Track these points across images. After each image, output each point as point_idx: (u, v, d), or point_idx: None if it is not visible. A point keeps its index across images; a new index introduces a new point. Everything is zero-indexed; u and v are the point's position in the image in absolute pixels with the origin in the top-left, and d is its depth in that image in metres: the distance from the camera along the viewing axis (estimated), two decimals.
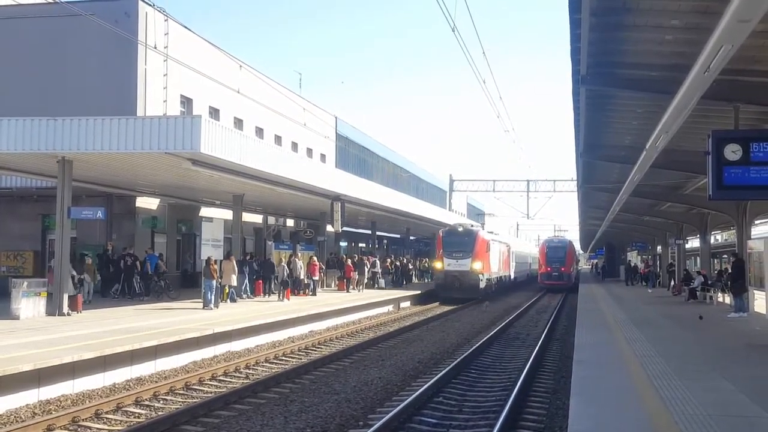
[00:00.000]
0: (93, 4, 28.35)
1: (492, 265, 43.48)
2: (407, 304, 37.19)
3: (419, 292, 40.21)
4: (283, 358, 17.87)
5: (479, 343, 20.22)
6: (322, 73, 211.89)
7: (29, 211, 30.15)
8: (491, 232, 50.04)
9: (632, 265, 59.86)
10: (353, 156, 56.66)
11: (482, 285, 39.92)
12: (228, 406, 12.05)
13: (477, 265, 39.57)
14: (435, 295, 40.24)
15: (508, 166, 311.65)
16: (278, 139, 41.76)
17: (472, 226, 45.54)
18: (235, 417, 11.38)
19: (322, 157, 49.28)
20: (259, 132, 39.18)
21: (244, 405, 12.25)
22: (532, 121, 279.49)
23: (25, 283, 19.96)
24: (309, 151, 46.73)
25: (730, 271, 25.40)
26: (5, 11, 30.89)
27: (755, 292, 24.09)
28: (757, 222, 33.78)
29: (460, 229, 42.11)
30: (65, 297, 20.38)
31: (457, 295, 38.51)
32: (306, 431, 10.56)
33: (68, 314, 20.05)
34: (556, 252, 57.53)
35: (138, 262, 26.92)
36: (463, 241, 40.59)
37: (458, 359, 16.66)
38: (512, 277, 56.94)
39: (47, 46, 30.44)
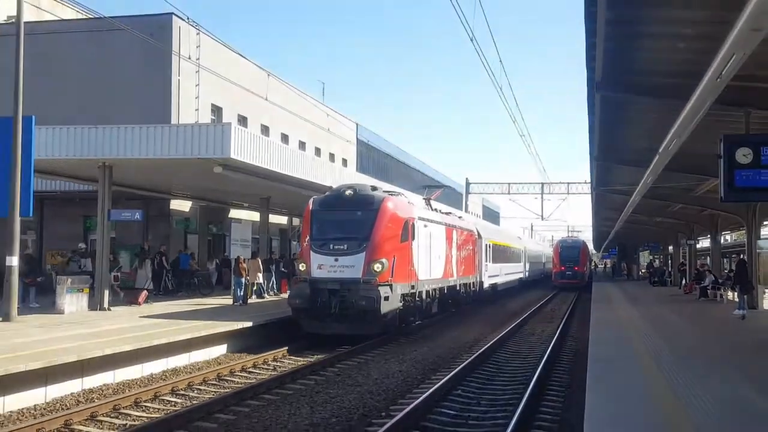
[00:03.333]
0: (131, 19, 28.67)
1: (422, 265, 21.44)
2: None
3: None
4: None
5: None
6: (345, 82, 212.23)
7: (72, 213, 30.55)
8: (429, 203, 26.20)
9: (656, 264, 59.41)
10: (374, 160, 56.73)
11: (386, 308, 18.21)
12: (257, 397, 12.12)
13: (378, 266, 18.33)
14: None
15: (523, 168, 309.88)
16: (302, 145, 41.92)
17: (375, 189, 20.68)
18: (264, 406, 11.45)
19: (344, 161, 49.39)
20: (285, 138, 39.36)
21: (272, 395, 12.32)
22: (548, 126, 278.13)
23: (69, 280, 20.30)
24: (331, 156, 46.88)
25: (734, 271, 25.48)
26: (51, 26, 31.33)
27: (766, 290, 23.90)
28: (766, 223, 33.41)
29: (349, 195, 19.57)
30: (106, 293, 20.67)
31: (338, 330, 18.19)
32: (331, 420, 10.58)
33: (108, 309, 20.33)
34: (570, 252, 57.15)
35: (165, 260, 27.09)
36: (354, 220, 19.11)
37: None
38: (526, 275, 52.70)
39: (89, 59, 30.84)
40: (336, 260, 18.46)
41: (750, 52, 8.39)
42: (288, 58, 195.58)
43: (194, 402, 11.78)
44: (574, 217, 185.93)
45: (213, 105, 33.19)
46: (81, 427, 10.14)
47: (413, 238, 20.30)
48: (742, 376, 10.78)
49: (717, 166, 10.76)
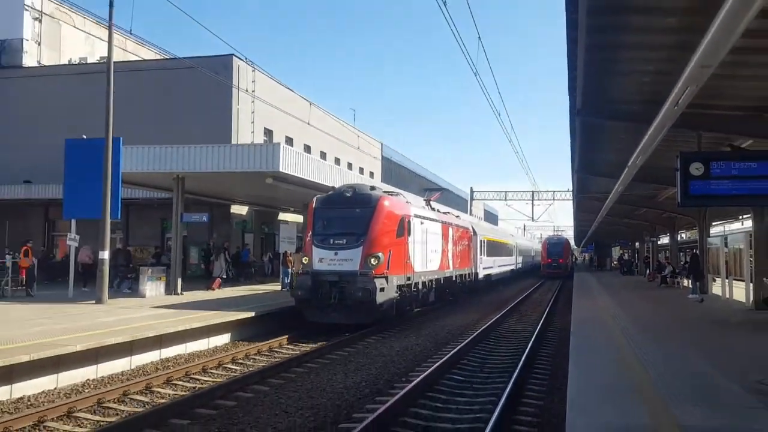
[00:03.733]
0: (199, 59, 28.96)
1: (418, 258, 19.58)
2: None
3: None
4: None
5: None
6: (372, 108, 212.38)
7: (152, 216, 30.88)
8: (428, 203, 24.71)
9: (626, 257, 58.88)
10: (395, 173, 56.74)
11: (382, 298, 16.55)
12: (302, 365, 12.19)
13: (374, 259, 16.65)
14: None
15: (516, 179, 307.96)
16: (337, 161, 42.02)
17: (374, 189, 18.68)
18: (307, 373, 11.50)
19: (371, 174, 49.41)
20: (323, 155, 39.46)
21: (313, 364, 12.36)
22: (537, 144, 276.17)
23: (150, 270, 20.54)
24: (361, 170, 46.92)
25: (688, 262, 25.87)
26: (134, 65, 31.72)
27: (716, 279, 23.80)
28: (714, 223, 33.28)
29: (349, 194, 17.83)
30: (179, 281, 20.87)
31: (337, 319, 16.44)
32: (361, 384, 10.64)
33: (181, 294, 20.54)
34: (556, 247, 57.14)
35: (227, 254, 27.26)
36: (352, 217, 17.33)
37: None
38: (517, 267, 50.15)
39: (165, 91, 31.17)
40: (336, 254, 16.66)
41: (701, 85, 8.37)
42: (326, 89, 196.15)
43: (251, 369, 11.90)
44: (559, 219, 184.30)
45: (265, 128, 33.40)
46: (160, 390, 10.23)
47: (409, 234, 18.31)
48: (692, 346, 10.74)
49: (675, 177, 10.68)
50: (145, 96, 31.05)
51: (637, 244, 52.16)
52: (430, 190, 31.11)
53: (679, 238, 39.56)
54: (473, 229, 30.53)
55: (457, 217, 29.74)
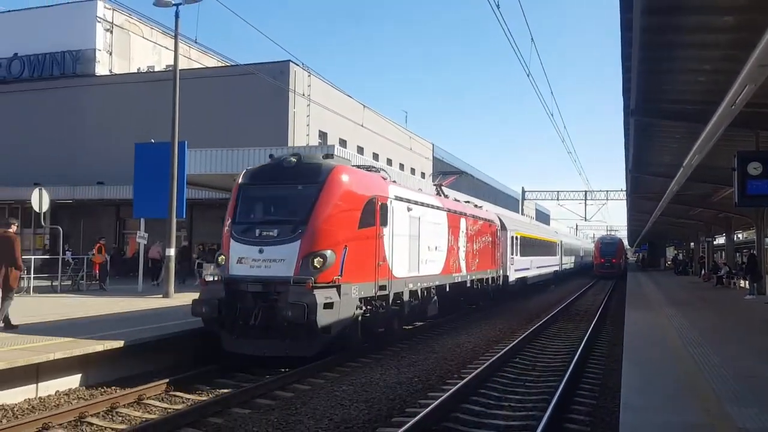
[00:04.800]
0: (258, 66, 29.59)
1: (402, 259, 13.63)
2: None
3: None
4: None
5: None
6: (424, 110, 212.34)
7: (213, 215, 31.64)
8: (440, 190, 20.25)
9: (680, 257, 57.23)
10: (447, 173, 56.47)
11: (330, 318, 10.49)
12: (356, 359, 12.05)
13: (318, 260, 10.75)
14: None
15: (569, 178, 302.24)
16: (389, 161, 42.18)
17: (330, 157, 12.85)
18: (360, 367, 11.49)
19: (422, 174, 49.43)
20: (375, 156, 39.65)
21: (366, 359, 12.24)
22: (590, 144, 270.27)
23: (212, 266, 21.05)
24: (412, 170, 46.98)
25: (746, 263, 25.30)
26: (198, 72, 32.63)
27: None
28: None
29: (290, 164, 11.75)
30: None
31: (260, 350, 10.54)
32: (414, 380, 10.56)
33: None
34: (609, 247, 56.06)
35: None
36: (291, 197, 11.47)
37: None
38: (561, 268, 43.25)
39: (226, 96, 31.96)
40: (261, 251, 10.92)
41: (759, 83, 8.11)
42: (379, 88, 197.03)
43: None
44: (612, 219, 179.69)
45: (320, 131, 33.84)
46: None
47: (384, 224, 12.34)
48: (751, 348, 10.36)
49: (732, 177, 10.37)
50: (207, 101, 31.87)
51: (692, 244, 50.53)
52: (444, 173, 24.11)
53: (735, 239, 38.14)
54: (501, 222, 24.71)
55: (478, 207, 23.67)
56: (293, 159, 11.69)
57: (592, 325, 16.85)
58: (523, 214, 67.01)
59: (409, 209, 14.20)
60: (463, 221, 18.56)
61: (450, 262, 17.10)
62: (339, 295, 10.77)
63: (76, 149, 33.76)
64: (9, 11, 39.24)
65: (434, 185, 20.68)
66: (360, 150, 37.05)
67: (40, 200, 19.02)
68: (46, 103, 35.28)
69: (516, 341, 13.87)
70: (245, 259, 11.02)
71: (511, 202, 75.16)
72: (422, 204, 15.24)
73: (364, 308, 11.82)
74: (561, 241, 45.30)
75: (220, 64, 36.12)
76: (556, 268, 41.39)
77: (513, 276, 25.94)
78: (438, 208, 16.59)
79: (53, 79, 36.08)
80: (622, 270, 54.26)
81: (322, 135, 34.16)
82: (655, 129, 15.38)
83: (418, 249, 14.67)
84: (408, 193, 14.62)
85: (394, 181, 14.57)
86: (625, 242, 76.87)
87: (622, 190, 54.10)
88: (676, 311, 16.84)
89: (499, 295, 23.41)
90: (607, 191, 63.71)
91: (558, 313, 21.10)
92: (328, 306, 10.46)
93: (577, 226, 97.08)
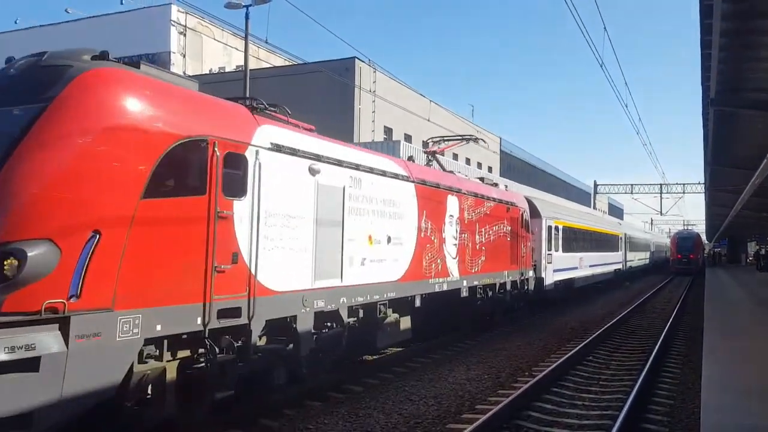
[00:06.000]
0: (324, 63, 30.07)
1: (294, 259, 7.77)
2: None
3: None
4: None
5: None
6: (490, 103, 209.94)
7: None
8: (433, 158, 16.04)
9: (763, 252, 54.44)
10: (515, 167, 55.75)
11: (39, 397, 4.65)
12: (427, 355, 12.10)
13: (10, 261, 4.73)
14: None
15: (643, 171, 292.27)
16: (455, 156, 41.95)
17: (101, 59, 5.85)
18: (429, 364, 11.50)
19: (489, 168, 48.94)
20: (441, 151, 39.49)
21: (436, 355, 12.26)
22: (666, 135, 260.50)
23: None
24: (479, 165, 46.53)
25: None
26: (267, 72, 33.44)
27: None
28: None
29: (21, 65, 5.73)
30: None
31: None
32: (483, 377, 10.50)
33: None
34: (686, 242, 53.66)
35: None
36: None
37: None
38: (624, 266, 36.90)
39: (293, 93, 32.62)
40: None
41: None
42: (445, 86, 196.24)
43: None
44: (690, 213, 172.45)
45: (385, 126, 34.05)
46: None
47: (236, 193, 7.00)
48: None
49: None
50: (275, 99, 32.51)
51: None
52: (447, 138, 17.43)
53: None
54: (532, 207, 18.87)
55: (496, 185, 16.97)
56: (29, 60, 6.05)
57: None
58: (595, 208, 65.26)
59: (314, 171, 8.27)
60: (453, 201, 12.63)
61: (423, 261, 11.27)
62: (66, 339, 5.09)
63: None
64: (90, 17, 41.38)
65: (425, 153, 15.78)
66: (426, 145, 37.02)
67: None
68: None
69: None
70: None
71: (583, 196, 73.44)
72: (354, 167, 9.24)
73: (174, 359, 6.43)
74: (625, 234, 38.20)
75: (287, 63, 36.89)
76: (618, 266, 34.71)
77: (551, 278, 20.08)
78: (397, 176, 10.53)
79: None
80: (700, 266, 52.08)
81: (387, 131, 34.36)
82: (736, 119, 14.71)
83: (342, 241, 8.85)
84: (313, 144, 8.53)
85: (287, 121, 8.64)
86: (703, 237, 73.67)
87: (699, 183, 51.95)
88: None
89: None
90: (684, 184, 61.25)
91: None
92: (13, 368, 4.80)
93: (652, 220, 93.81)
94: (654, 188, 61.80)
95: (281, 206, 7.68)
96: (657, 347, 12.36)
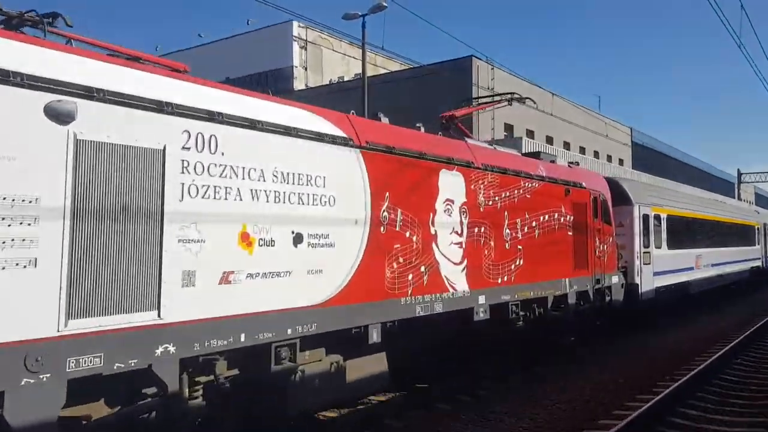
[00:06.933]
0: (441, 64, 30.09)
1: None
2: None
3: None
4: None
5: None
6: (622, 92, 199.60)
7: None
8: (451, 122, 11.70)
9: None
10: (649, 159, 52.60)
11: None
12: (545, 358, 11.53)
13: None
14: None
15: None
16: (582, 150, 40.27)
17: None
18: (562, 362, 11.06)
19: (620, 161, 46.49)
20: (566, 145, 38.08)
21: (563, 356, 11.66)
22: None
23: None
24: (608, 157, 44.37)
25: None
26: (385, 78, 34.10)
27: None
28: None
29: None
30: None
31: None
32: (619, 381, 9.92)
33: None
34: None
35: None
36: None
37: None
38: (765, 264, 29.46)
39: (412, 95, 32.91)
40: None
41: None
42: (570, 77, 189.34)
43: None
44: None
45: (505, 123, 33.37)
46: None
47: None
48: None
49: None
50: (394, 104, 33.04)
51: None
52: (468, 99, 14.03)
53: None
54: (622, 190, 14.90)
55: (552, 161, 12.25)
56: None
57: None
58: (739, 198, 59.97)
59: (60, 115, 4.47)
60: (451, 179, 8.64)
61: (386, 270, 7.27)
62: None
63: None
64: (219, 39, 44.23)
65: (441, 118, 11.86)
66: (549, 140, 35.88)
67: None
68: None
69: None
70: None
71: (726, 186, 67.88)
72: (207, 116, 5.50)
73: None
74: (764, 225, 30.88)
75: (403, 68, 37.28)
76: (756, 262, 28.10)
77: (650, 284, 15.11)
78: (321, 137, 7.06)
79: None
80: None
81: (508, 128, 33.66)
82: None
83: (161, 244, 5.12)
84: (68, 65, 4.67)
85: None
86: None
87: None
88: None
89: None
90: None
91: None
92: None
93: None
94: None
95: None
96: None
